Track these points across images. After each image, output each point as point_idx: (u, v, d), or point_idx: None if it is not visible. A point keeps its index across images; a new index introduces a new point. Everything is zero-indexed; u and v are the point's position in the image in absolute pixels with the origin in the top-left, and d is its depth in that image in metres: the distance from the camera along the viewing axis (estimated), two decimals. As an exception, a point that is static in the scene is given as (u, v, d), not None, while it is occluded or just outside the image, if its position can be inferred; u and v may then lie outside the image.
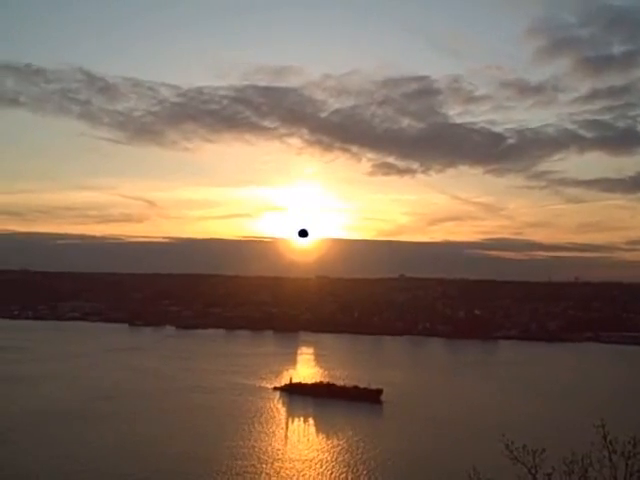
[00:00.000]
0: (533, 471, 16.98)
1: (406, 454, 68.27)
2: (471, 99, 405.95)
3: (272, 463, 65.36)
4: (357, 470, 63.31)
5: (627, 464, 18.35)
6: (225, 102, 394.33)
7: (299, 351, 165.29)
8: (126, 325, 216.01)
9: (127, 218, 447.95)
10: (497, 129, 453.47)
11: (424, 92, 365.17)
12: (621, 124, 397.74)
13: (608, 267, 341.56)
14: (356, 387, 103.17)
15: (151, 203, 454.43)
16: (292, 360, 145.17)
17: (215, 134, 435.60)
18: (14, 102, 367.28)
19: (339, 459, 67.40)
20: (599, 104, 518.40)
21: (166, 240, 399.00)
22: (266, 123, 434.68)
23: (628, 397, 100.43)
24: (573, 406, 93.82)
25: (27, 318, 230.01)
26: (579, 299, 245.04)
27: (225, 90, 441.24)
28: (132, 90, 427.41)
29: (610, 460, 18.77)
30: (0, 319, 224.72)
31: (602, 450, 19.26)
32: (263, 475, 61.31)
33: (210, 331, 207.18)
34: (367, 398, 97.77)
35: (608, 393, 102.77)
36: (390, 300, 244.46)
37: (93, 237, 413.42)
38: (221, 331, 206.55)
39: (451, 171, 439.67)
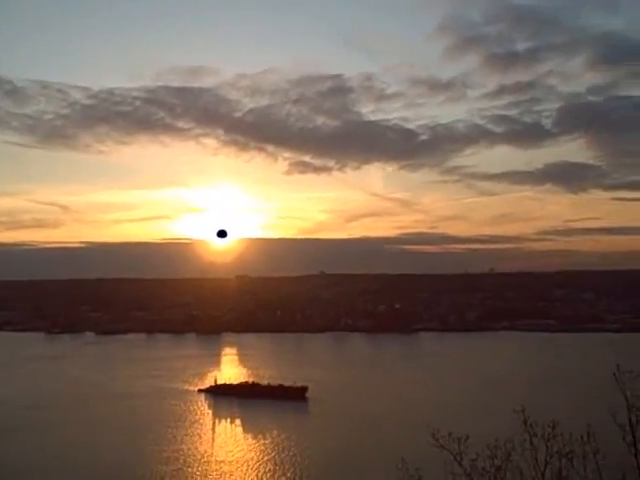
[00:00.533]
0: (459, 458, 17.40)
1: (333, 450, 68.88)
2: (384, 97, 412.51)
3: (199, 465, 64.94)
4: (284, 468, 63.55)
5: (547, 446, 19.01)
6: (138, 103, 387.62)
7: (222, 352, 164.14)
8: (42, 334, 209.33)
9: (40, 224, 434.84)
10: (410, 126, 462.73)
11: (338, 90, 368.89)
12: (527, 119, 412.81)
13: (520, 257, 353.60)
14: (281, 386, 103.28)
15: (65, 208, 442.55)
16: (216, 362, 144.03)
17: (129, 136, 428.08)
18: None
19: (266, 458, 67.47)
20: (506, 99, 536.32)
21: (83, 245, 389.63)
22: (181, 124, 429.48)
23: (545, 382, 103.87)
24: (494, 393, 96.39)
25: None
26: (495, 289, 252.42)
27: (137, 91, 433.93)
28: (41, 93, 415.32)
29: (531, 443, 19.41)
30: None
31: (523, 434, 19.91)
32: (191, 477, 60.74)
33: (131, 336, 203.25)
34: (292, 396, 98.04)
35: (527, 379, 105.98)
36: (312, 297, 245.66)
37: (5, 244, 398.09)
38: (142, 335, 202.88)
39: (367, 168, 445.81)
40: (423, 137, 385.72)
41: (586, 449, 19.87)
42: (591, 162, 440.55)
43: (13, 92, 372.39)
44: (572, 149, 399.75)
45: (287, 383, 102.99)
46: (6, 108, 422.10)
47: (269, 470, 63.29)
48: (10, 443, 73.71)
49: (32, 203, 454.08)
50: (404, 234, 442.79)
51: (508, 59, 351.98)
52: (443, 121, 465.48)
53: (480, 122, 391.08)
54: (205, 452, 70.50)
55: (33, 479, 59.83)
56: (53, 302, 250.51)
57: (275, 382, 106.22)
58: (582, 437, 20.88)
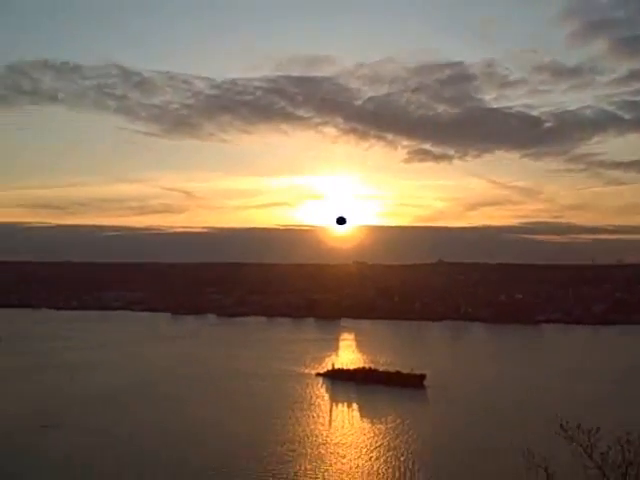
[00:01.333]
0: (589, 450, 16.82)
1: (452, 437, 68.03)
2: (506, 84, 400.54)
3: (316, 448, 65.64)
4: (400, 454, 63.30)
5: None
6: (259, 93, 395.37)
7: (340, 337, 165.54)
8: (169, 314, 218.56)
9: (167, 209, 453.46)
10: (534, 113, 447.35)
11: (458, 78, 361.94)
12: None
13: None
14: (398, 372, 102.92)
15: (190, 194, 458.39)
16: (334, 346, 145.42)
17: (251, 125, 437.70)
18: (53, 99, 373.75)
19: (382, 443, 67.44)
20: (636, 85, 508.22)
21: (206, 230, 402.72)
22: (301, 113, 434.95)
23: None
24: (624, 387, 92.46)
25: (72, 308, 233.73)
26: (623, 281, 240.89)
27: (259, 81, 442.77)
28: (167, 84, 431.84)
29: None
30: (46, 309, 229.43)
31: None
32: (307, 459, 61.65)
33: (251, 318, 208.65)
34: (410, 383, 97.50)
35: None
36: (429, 285, 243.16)
37: (134, 228, 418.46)
38: (262, 319, 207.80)
39: (488, 156, 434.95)
40: (548, 124, 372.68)
41: None
42: None
43: (141, 83, 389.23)
44: None
45: (405, 370, 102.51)
46: (135, 99, 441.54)
47: (384, 455, 63.28)
48: (134, 416, 77.36)
49: (159, 189, 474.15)
50: (526, 223, 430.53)
51: (638, 44, 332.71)
52: (570, 108, 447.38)
53: (609, 109, 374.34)
54: (322, 435, 71.24)
55: (159, 451, 62.35)
56: (178, 284, 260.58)
57: (393, 369, 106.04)
58: None
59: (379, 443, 67.78)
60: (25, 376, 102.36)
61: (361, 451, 65.00)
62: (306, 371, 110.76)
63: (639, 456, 17.37)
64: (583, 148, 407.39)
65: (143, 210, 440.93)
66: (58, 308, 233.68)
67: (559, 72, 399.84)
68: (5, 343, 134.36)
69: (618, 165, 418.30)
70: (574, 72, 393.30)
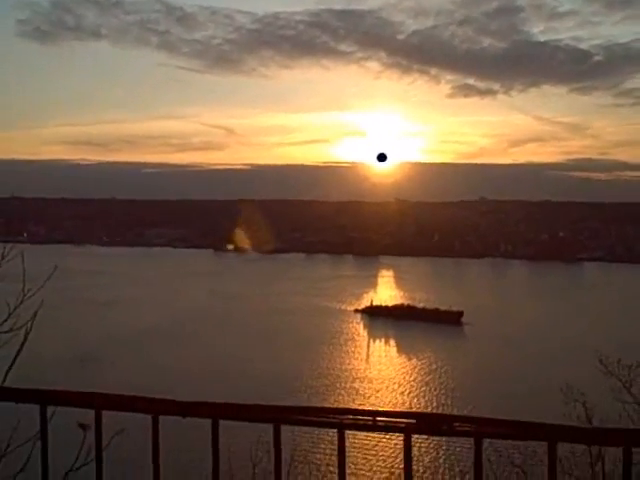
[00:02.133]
0: (628, 385, 16.78)
1: (489, 373, 68.26)
2: (555, 15, 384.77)
3: (350, 382, 66.47)
4: (435, 388, 63.96)
5: None
6: (301, 27, 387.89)
7: (379, 274, 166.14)
8: (211, 250, 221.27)
9: (208, 146, 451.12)
10: (583, 46, 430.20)
11: (505, 10, 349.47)
12: None
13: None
14: (437, 309, 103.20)
15: (230, 130, 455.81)
16: (372, 283, 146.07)
17: (292, 60, 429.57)
18: (95, 34, 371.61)
19: (420, 378, 68.12)
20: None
21: (246, 167, 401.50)
22: (343, 47, 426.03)
23: None
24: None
25: (115, 245, 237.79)
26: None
27: (301, 15, 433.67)
28: (209, 19, 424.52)
29: None
30: (90, 246, 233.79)
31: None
32: (343, 393, 62.63)
33: (291, 255, 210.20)
34: (448, 320, 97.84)
35: None
36: (470, 223, 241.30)
37: (175, 165, 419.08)
38: (302, 255, 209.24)
39: (534, 91, 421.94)
40: (597, 58, 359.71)
41: None
42: None
43: (183, 18, 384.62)
44: None
45: (443, 307, 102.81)
46: (177, 34, 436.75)
47: (422, 389, 64.01)
48: (163, 353, 77.82)
49: (199, 126, 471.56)
50: (571, 160, 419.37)
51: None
52: (621, 40, 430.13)
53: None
54: (358, 369, 72.06)
55: (189, 385, 63.65)
56: (220, 221, 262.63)
57: (431, 306, 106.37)
58: None
59: (414, 377, 68.48)
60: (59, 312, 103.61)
61: (396, 385, 65.77)
62: (344, 307, 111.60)
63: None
64: (634, 82, 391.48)
65: (184, 147, 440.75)
66: (101, 244, 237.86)
67: (611, 3, 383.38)
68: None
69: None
70: (627, 2, 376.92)
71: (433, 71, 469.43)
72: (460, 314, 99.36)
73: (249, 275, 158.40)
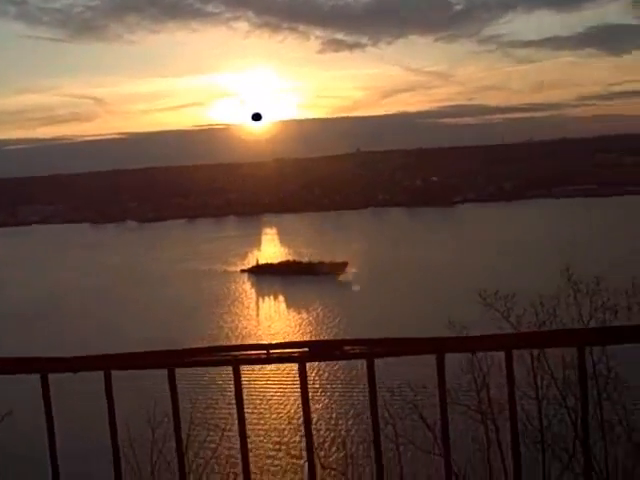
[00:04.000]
0: (506, 314, 17.63)
1: (376, 314, 69.57)
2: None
3: (240, 340, 66.30)
4: (326, 335, 64.87)
5: (591, 301, 19.11)
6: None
7: (262, 233, 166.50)
8: (87, 224, 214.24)
9: (75, 117, 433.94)
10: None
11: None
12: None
13: (560, 125, 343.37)
14: (321, 262, 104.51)
15: (99, 100, 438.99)
16: (256, 242, 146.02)
17: (159, 24, 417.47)
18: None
19: (309, 329, 69.01)
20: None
21: (118, 136, 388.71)
22: (210, 8, 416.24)
23: (588, 244, 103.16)
24: (536, 255, 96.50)
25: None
26: (533, 159, 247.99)
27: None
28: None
29: (575, 299, 19.54)
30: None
31: (568, 291, 20.00)
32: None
33: (171, 222, 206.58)
34: (333, 271, 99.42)
35: (569, 241, 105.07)
36: (349, 175, 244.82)
37: (42, 140, 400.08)
38: (182, 221, 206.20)
39: (401, 42, 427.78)
40: (458, 7, 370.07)
41: (631, 301, 19.96)
42: (635, 22, 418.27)
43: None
44: (614, 10, 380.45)
45: (327, 259, 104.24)
46: (35, 4, 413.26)
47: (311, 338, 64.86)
48: (37, 328, 74.21)
49: (66, 97, 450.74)
50: (441, 107, 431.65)
51: None
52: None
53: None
54: (247, 328, 72.30)
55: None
56: (95, 194, 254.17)
57: (316, 259, 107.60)
58: (627, 291, 20.94)
59: (304, 329, 69.35)
60: None
61: (287, 338, 66.27)
62: (229, 269, 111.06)
63: (552, 316, 18.28)
64: (493, 29, 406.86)
65: (50, 120, 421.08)
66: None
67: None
68: None
69: (528, 43, 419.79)
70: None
71: (302, 28, 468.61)
72: (345, 264, 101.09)
73: (129, 245, 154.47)
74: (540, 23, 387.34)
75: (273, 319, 76.80)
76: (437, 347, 3.45)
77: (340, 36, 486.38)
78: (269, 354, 3.56)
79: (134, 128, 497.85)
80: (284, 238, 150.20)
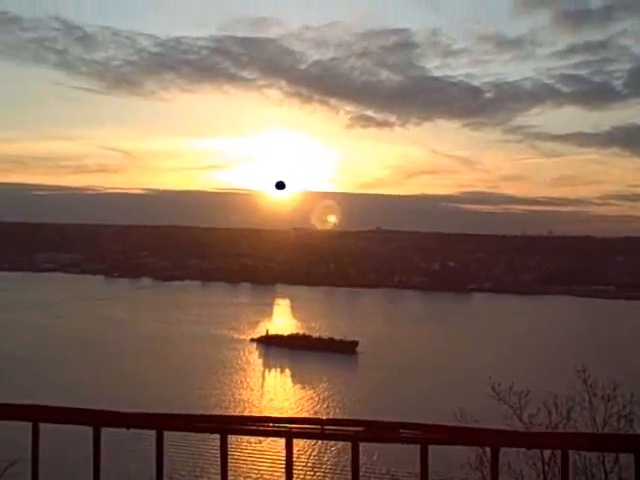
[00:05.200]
0: (518, 412, 17.10)
1: (384, 401, 68.66)
2: (449, 52, 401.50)
3: (242, 411, 65.36)
4: (334, 415, 63.81)
5: (606, 406, 18.54)
6: (204, 52, 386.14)
7: (275, 303, 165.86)
8: (102, 276, 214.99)
9: (103, 169, 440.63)
10: (475, 83, 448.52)
11: (403, 45, 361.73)
12: (597, 79, 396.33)
13: (581, 221, 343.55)
14: (331, 339, 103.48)
15: (128, 154, 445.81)
16: (268, 312, 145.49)
17: (194, 84, 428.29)
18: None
19: (313, 407, 67.87)
20: (576, 59, 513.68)
21: (143, 191, 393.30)
22: (245, 74, 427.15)
23: (605, 346, 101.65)
24: (552, 353, 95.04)
25: (3, 269, 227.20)
26: (553, 253, 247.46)
27: (204, 40, 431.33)
28: (110, 39, 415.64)
29: (590, 403, 18.96)
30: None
31: (583, 394, 19.42)
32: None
33: (186, 282, 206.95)
34: (343, 350, 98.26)
35: (586, 342, 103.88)
36: (366, 252, 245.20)
37: (69, 188, 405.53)
38: (197, 283, 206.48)
39: (429, 125, 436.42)
40: (488, 95, 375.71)
41: (648, 411, 19.24)
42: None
43: (83, 38, 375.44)
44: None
45: (338, 337, 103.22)
46: (76, 54, 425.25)
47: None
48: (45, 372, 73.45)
49: (96, 148, 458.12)
50: (463, 193, 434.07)
51: (580, 17, 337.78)
52: (510, 79, 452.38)
53: (548, 81, 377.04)
54: (250, 399, 71.27)
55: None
56: (113, 247, 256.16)
57: (326, 335, 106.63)
58: (645, 400, 20.21)
59: (308, 407, 68.19)
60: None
61: (290, 413, 65.17)
62: (239, 336, 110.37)
63: (564, 418, 17.79)
64: (521, 120, 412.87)
65: (79, 169, 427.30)
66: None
67: (501, 43, 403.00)
68: None
69: (554, 137, 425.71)
70: (516, 43, 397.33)
71: (332, 101, 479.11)
72: (355, 344, 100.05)
73: (141, 302, 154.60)
74: (568, 119, 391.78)
75: (277, 393, 75.64)
76: (493, 440, 3.39)
77: (369, 112, 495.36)
78: (323, 430, 3.51)
79: (159, 185, 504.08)
80: (296, 310, 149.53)
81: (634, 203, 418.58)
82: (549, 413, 17.97)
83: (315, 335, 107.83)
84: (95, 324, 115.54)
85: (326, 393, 73.26)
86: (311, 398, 72.08)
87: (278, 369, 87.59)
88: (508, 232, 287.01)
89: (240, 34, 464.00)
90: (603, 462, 15.94)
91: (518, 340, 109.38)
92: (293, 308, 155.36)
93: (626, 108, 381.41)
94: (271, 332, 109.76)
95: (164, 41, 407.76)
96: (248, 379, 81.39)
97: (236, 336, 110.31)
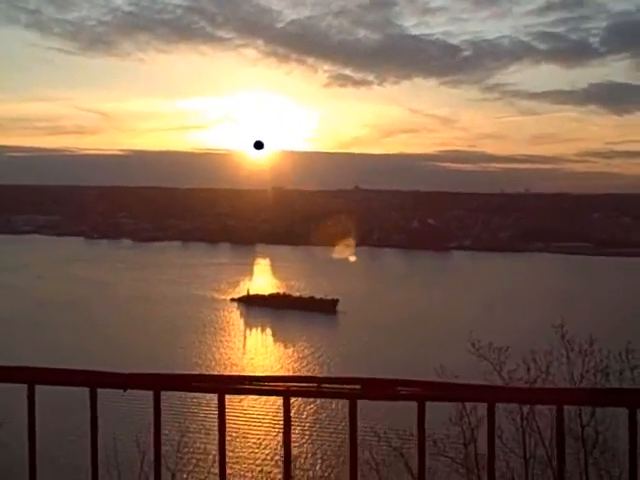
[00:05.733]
0: (498, 368, 17.36)
1: (364, 358, 69.24)
2: (427, 10, 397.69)
3: (224, 371, 65.64)
4: (311, 373, 64.36)
5: (583, 361, 18.89)
6: (179, 12, 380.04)
7: (256, 262, 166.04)
8: (82, 238, 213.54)
9: (80, 130, 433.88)
10: (453, 41, 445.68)
11: (380, 3, 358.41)
12: (574, 36, 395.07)
13: (559, 179, 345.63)
14: (312, 298, 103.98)
15: (105, 115, 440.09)
16: (249, 271, 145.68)
17: (170, 45, 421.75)
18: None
19: (294, 366, 68.44)
20: (553, 16, 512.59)
21: (121, 152, 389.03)
22: (221, 34, 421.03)
23: (582, 301, 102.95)
24: (530, 310, 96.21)
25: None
26: (530, 210, 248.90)
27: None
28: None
29: (568, 357, 19.32)
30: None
31: (561, 349, 19.75)
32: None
33: (166, 243, 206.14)
34: (323, 308, 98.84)
35: (563, 297, 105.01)
36: (345, 212, 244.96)
37: (45, 149, 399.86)
38: (177, 243, 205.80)
39: (407, 83, 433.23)
40: (466, 53, 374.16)
41: (623, 366, 19.70)
42: (637, 83, 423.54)
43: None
44: (619, 69, 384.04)
45: (318, 296, 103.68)
46: (49, 14, 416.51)
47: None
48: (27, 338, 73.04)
49: (72, 109, 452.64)
50: (441, 151, 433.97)
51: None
52: (487, 37, 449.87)
53: (525, 39, 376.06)
54: (231, 358, 71.69)
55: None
56: (92, 208, 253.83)
57: (306, 294, 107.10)
58: (620, 354, 20.68)
59: (289, 365, 68.78)
60: None
61: (270, 372, 65.63)
62: (219, 296, 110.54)
63: (542, 373, 18.07)
64: (499, 78, 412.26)
65: (55, 130, 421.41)
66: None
67: (479, 1, 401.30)
68: None
69: (532, 95, 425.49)
70: (493, 1, 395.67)
71: (310, 61, 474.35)
72: (335, 302, 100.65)
73: (121, 263, 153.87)
74: (545, 76, 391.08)
75: (258, 352, 76.20)
76: (490, 396, 3.43)
77: (347, 72, 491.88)
78: (320, 388, 3.53)
79: (137, 146, 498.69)
80: (277, 270, 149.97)
81: (611, 160, 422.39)
82: (528, 369, 18.26)
83: (296, 294, 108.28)
84: (75, 286, 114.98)
85: (306, 351, 73.84)
86: (292, 356, 72.68)
87: (259, 328, 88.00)
88: (486, 190, 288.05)
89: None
90: (580, 415, 16.28)
91: (498, 297, 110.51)
92: (274, 268, 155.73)
93: (603, 65, 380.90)
94: (252, 292, 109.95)
95: (138, 0, 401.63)
96: (228, 338, 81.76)
97: (217, 296, 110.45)
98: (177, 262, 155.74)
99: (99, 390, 3.64)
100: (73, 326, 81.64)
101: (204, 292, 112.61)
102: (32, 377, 3.70)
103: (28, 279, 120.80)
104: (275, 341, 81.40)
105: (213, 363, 68.73)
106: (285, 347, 76.91)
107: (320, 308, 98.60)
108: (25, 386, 3.71)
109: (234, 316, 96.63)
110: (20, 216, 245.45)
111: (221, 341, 79.62)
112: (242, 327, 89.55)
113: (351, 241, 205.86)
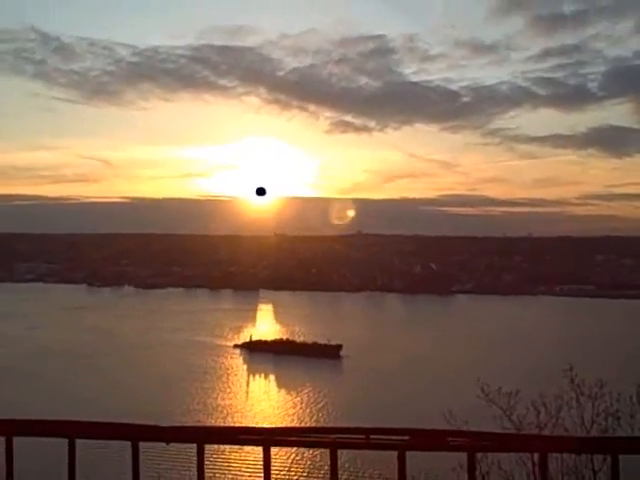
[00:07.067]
0: (508, 413, 17.15)
1: (370, 405, 68.58)
2: (427, 58, 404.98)
3: (225, 417, 65.11)
4: (318, 422, 63.68)
5: (593, 404, 18.71)
6: (182, 61, 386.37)
7: (258, 308, 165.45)
8: (84, 285, 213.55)
9: (83, 178, 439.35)
10: (452, 87, 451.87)
11: (380, 51, 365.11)
12: (573, 82, 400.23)
13: (560, 222, 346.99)
14: (315, 343, 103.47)
15: (107, 163, 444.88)
16: (251, 317, 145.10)
17: (172, 93, 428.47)
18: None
19: (298, 413, 67.76)
20: (551, 62, 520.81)
21: (122, 200, 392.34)
22: (224, 82, 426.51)
23: (590, 344, 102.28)
24: (538, 353, 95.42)
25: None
26: (533, 253, 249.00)
27: (182, 49, 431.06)
28: (88, 50, 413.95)
29: (578, 401, 19.11)
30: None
31: (570, 393, 19.56)
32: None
33: (169, 290, 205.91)
34: (327, 354, 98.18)
35: (571, 340, 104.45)
36: (347, 257, 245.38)
37: (48, 197, 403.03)
38: (180, 290, 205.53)
39: (407, 129, 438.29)
40: (465, 99, 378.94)
41: (634, 409, 19.49)
42: (636, 126, 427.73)
43: (60, 49, 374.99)
44: (617, 113, 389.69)
45: (322, 341, 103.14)
46: (54, 65, 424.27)
47: (300, 424, 63.48)
48: (26, 388, 72.52)
49: (75, 158, 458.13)
50: (442, 196, 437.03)
51: (554, 21, 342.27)
52: (487, 83, 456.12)
53: (524, 84, 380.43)
54: (233, 406, 71.01)
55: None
56: (94, 255, 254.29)
57: (310, 340, 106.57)
58: (630, 397, 20.48)
59: (293, 412, 68.07)
60: None
61: (274, 420, 64.99)
62: (222, 342, 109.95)
63: (552, 417, 17.91)
64: (498, 123, 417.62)
65: (58, 179, 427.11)
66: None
67: (477, 48, 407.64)
68: None
69: (532, 139, 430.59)
70: (491, 48, 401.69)
71: (312, 107, 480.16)
72: (339, 347, 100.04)
73: (123, 310, 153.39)
74: (545, 121, 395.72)
75: (262, 399, 75.38)
76: (540, 446, 3.36)
77: (348, 118, 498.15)
78: (368, 439, 3.44)
79: (139, 193, 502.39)
80: (279, 315, 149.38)
81: (611, 203, 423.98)
82: (537, 414, 18.08)
83: (299, 340, 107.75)
84: (75, 334, 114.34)
85: (312, 398, 73.10)
86: (296, 403, 71.92)
87: (262, 374, 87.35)
88: (488, 234, 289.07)
89: (218, 42, 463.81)
90: (592, 460, 16.08)
91: (503, 341, 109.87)
92: (276, 313, 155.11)
93: (601, 109, 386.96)
94: (255, 338, 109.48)
95: (142, 50, 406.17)
96: (232, 385, 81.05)
97: (220, 342, 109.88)
98: (180, 309, 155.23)
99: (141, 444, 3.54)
100: (76, 375, 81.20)
101: (207, 339, 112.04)
102: (72, 431, 3.61)
103: (21, 328, 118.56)
104: (278, 388, 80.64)
105: (217, 410, 68.08)
106: (288, 394, 76.12)
107: (324, 353, 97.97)
108: (65, 441, 3.61)
109: (237, 362, 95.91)
110: (23, 264, 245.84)
111: (223, 389, 78.79)
112: (245, 373, 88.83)
113: (354, 287, 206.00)
